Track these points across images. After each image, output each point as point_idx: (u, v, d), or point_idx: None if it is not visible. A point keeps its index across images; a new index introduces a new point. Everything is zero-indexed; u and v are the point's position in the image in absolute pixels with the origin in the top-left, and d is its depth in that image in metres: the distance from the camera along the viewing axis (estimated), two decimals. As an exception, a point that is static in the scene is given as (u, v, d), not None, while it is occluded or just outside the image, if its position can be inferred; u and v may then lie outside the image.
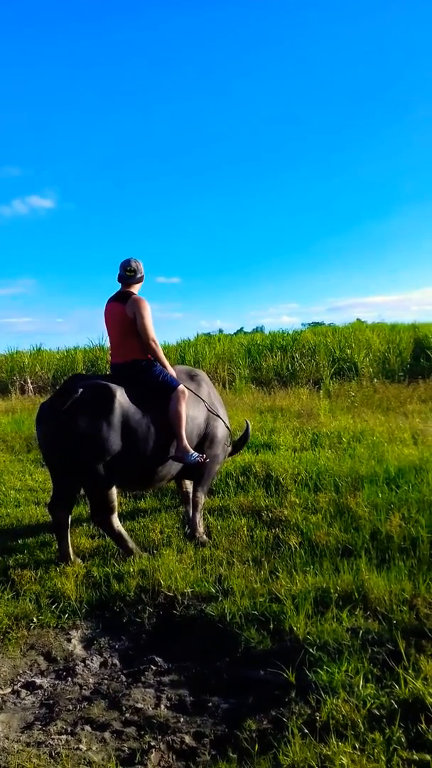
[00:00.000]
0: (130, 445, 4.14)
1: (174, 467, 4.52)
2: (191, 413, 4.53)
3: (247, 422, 5.49)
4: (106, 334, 4.75)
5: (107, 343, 16.80)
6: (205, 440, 4.74)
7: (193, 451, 4.37)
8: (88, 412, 4.00)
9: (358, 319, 21.12)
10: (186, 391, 4.44)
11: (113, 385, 4.16)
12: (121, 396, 4.14)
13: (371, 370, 12.91)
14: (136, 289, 4.58)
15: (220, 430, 4.88)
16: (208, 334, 20.04)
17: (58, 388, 4.41)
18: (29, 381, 16.04)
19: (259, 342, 16.50)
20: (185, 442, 4.33)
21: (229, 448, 5.20)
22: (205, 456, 4.56)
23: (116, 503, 4.29)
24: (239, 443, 5.38)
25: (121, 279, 4.58)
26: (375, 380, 11.94)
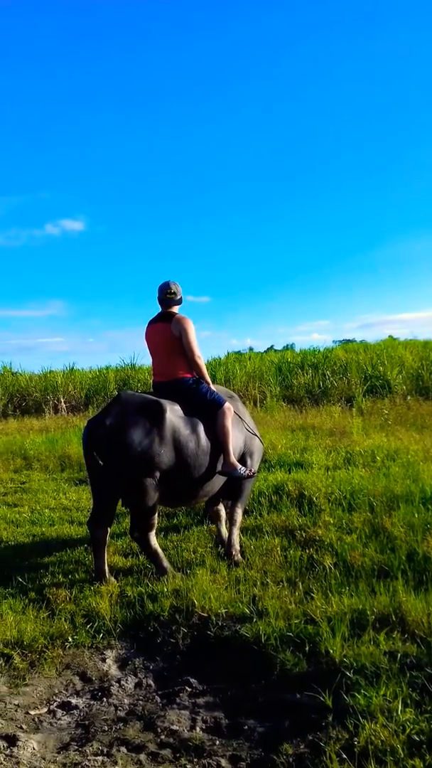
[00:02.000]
0: (178, 461, 4.23)
1: (216, 484, 4.59)
2: (234, 431, 4.58)
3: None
4: (149, 355, 4.87)
5: (143, 363, 17.06)
6: (245, 457, 4.79)
7: (240, 466, 4.49)
8: (140, 426, 4.10)
9: (390, 336, 21.01)
10: (231, 408, 4.53)
11: (164, 401, 4.28)
12: (171, 412, 4.25)
13: (404, 387, 12.77)
14: (176, 310, 4.70)
15: (257, 447, 4.96)
16: (239, 352, 20.15)
17: (106, 403, 4.52)
18: (62, 400, 16.24)
19: (290, 360, 16.48)
20: (233, 457, 4.44)
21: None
22: (250, 470, 4.64)
23: (156, 521, 4.33)
24: None
25: (161, 302, 4.74)
26: (408, 397, 11.81)
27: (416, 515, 4.67)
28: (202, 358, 4.58)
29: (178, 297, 4.73)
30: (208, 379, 4.64)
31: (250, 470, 4.66)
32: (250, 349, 24.20)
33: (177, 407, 4.35)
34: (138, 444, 4.07)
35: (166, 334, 4.57)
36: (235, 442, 4.57)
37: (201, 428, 4.39)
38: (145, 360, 17.48)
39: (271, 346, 27.27)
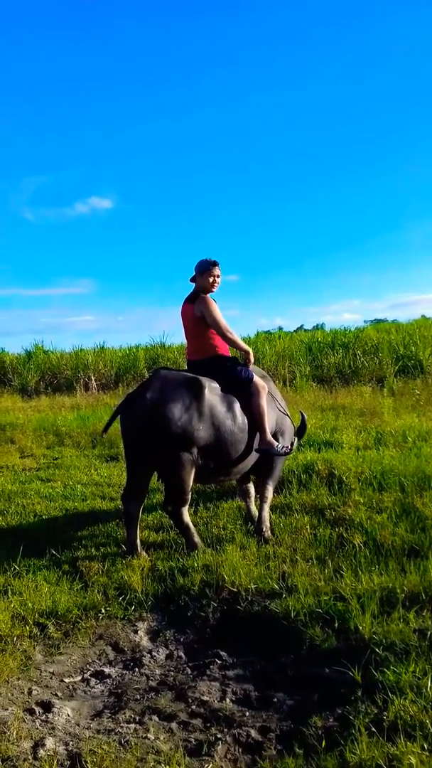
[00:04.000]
0: (216, 438, 4.29)
1: (250, 461, 4.62)
2: (267, 409, 4.61)
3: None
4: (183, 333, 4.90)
5: (172, 342, 17.09)
6: (276, 436, 4.81)
7: (277, 443, 4.55)
8: (180, 402, 4.16)
9: (423, 316, 20.67)
10: (265, 386, 4.57)
11: (203, 378, 4.34)
12: (209, 389, 4.31)
13: (437, 367, 12.59)
14: (200, 287, 4.67)
15: (288, 426, 4.99)
16: (268, 331, 20.00)
17: (144, 380, 4.58)
18: (93, 378, 16.38)
19: (320, 339, 16.32)
20: (269, 435, 4.50)
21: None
22: (288, 447, 4.69)
23: (189, 496, 4.38)
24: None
25: (193, 279, 4.73)
26: (441, 378, 11.65)
27: (448, 496, 4.63)
28: (233, 332, 4.57)
29: (195, 273, 4.68)
30: (247, 348, 4.66)
31: (287, 447, 4.69)
32: (280, 328, 24.02)
33: (215, 385, 4.40)
34: (178, 419, 4.11)
35: (191, 314, 4.61)
36: (269, 419, 4.58)
37: (237, 406, 4.43)
38: (175, 339, 17.49)
39: (301, 326, 27.12)
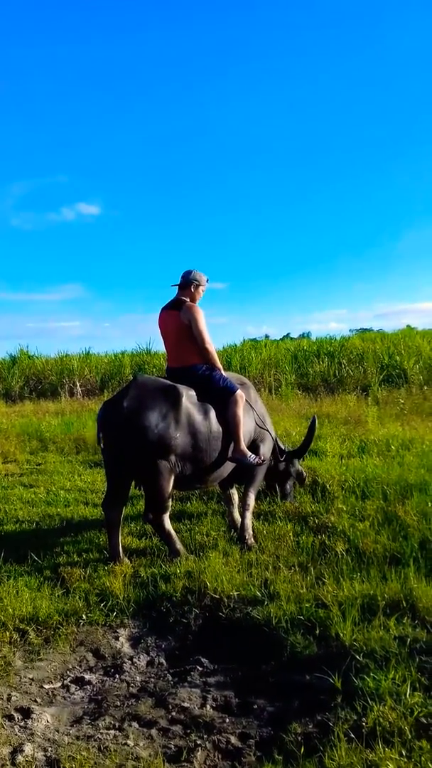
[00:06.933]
0: (192, 445, 4.29)
1: (226, 469, 4.63)
2: (245, 418, 4.60)
3: (314, 417, 5.51)
4: (161, 340, 4.92)
5: (158, 348, 17.09)
6: (256, 444, 4.83)
7: (250, 454, 4.53)
8: (157, 410, 4.15)
9: (408, 326, 20.81)
10: (243, 396, 4.56)
11: (180, 386, 4.34)
12: (186, 397, 4.31)
13: (421, 377, 12.68)
14: (188, 296, 4.71)
15: (267, 435, 4.97)
16: (254, 339, 20.07)
17: (122, 387, 4.58)
18: (78, 384, 16.33)
19: (305, 348, 16.42)
20: (243, 445, 4.48)
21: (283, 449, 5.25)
22: (262, 458, 4.69)
23: (170, 503, 4.38)
24: (307, 440, 5.40)
25: (181, 287, 4.77)
26: (425, 387, 11.73)
27: (430, 504, 4.66)
28: (212, 345, 4.60)
29: (189, 283, 4.73)
30: (220, 366, 4.66)
31: (261, 458, 4.69)
32: (266, 336, 24.05)
33: (192, 392, 4.40)
34: (155, 427, 4.11)
35: (177, 321, 4.61)
36: (245, 429, 4.59)
37: (213, 414, 4.43)
38: (161, 345, 17.46)
39: (287, 334, 27.21)
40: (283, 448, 5.30)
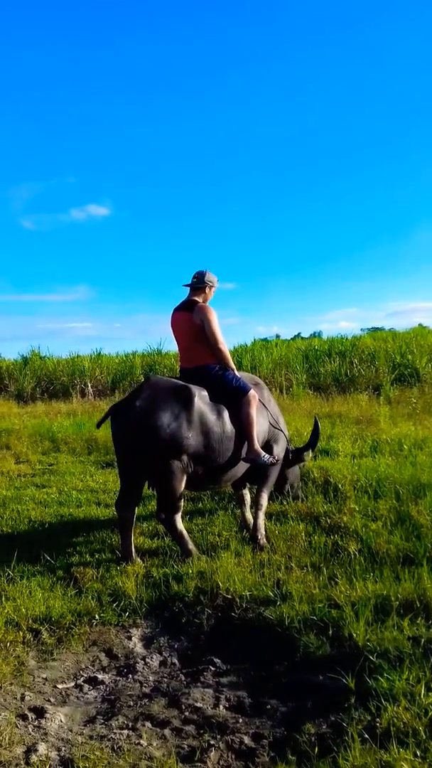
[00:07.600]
0: (204, 445, 4.29)
1: (240, 469, 4.63)
2: (258, 418, 4.60)
3: (315, 419, 5.48)
4: (174, 341, 4.95)
5: (169, 349, 17.12)
6: (269, 444, 4.83)
7: (264, 453, 4.52)
8: (169, 410, 4.16)
9: (420, 324, 20.71)
10: (256, 396, 4.57)
11: (193, 386, 4.35)
12: (199, 397, 4.31)
13: (433, 376, 12.61)
14: (201, 297, 4.72)
15: (280, 435, 4.98)
16: (265, 339, 20.05)
17: (134, 387, 4.60)
18: (89, 385, 16.37)
19: (317, 347, 16.35)
20: (257, 444, 4.48)
21: (291, 453, 5.22)
22: (276, 458, 4.69)
23: (182, 503, 4.39)
24: (311, 442, 5.38)
25: (194, 287, 4.80)
26: (437, 387, 11.67)
27: (443, 504, 4.64)
28: (225, 345, 4.62)
29: (202, 284, 4.76)
30: (233, 366, 4.68)
31: (275, 457, 4.69)
32: (277, 336, 24.02)
33: (204, 393, 4.40)
34: (167, 427, 4.11)
35: (190, 322, 4.63)
36: (259, 429, 4.59)
37: (226, 414, 4.43)
38: (172, 346, 17.53)
39: (298, 334, 27.15)
40: (290, 448, 5.28)
